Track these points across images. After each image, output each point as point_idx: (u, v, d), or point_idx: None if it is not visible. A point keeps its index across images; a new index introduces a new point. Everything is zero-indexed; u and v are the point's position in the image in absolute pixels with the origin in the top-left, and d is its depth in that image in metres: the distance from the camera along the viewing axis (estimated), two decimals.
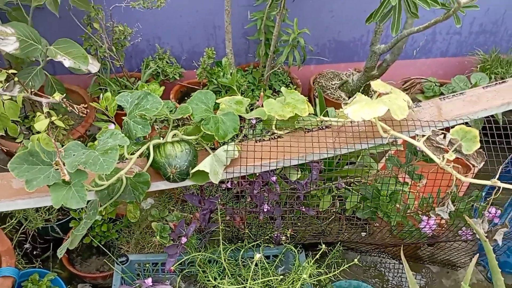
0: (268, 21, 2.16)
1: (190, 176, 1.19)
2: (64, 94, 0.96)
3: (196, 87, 2.33)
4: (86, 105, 1.01)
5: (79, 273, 1.67)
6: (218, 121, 1.24)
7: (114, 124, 1.47)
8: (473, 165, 1.20)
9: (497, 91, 1.44)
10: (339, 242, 1.59)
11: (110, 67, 2.12)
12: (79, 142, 1.06)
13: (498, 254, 1.70)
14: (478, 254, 1.12)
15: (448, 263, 1.89)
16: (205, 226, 1.45)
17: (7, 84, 0.93)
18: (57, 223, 1.72)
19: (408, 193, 1.40)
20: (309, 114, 1.34)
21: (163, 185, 1.22)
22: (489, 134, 1.29)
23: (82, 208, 1.66)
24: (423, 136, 1.21)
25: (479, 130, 1.20)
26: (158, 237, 1.31)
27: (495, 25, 2.53)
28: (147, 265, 1.43)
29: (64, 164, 0.87)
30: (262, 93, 2.06)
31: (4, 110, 0.90)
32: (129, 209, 1.62)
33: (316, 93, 2.39)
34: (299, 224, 1.56)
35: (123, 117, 1.15)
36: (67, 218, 1.74)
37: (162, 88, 1.59)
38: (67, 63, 1.59)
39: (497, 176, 1.17)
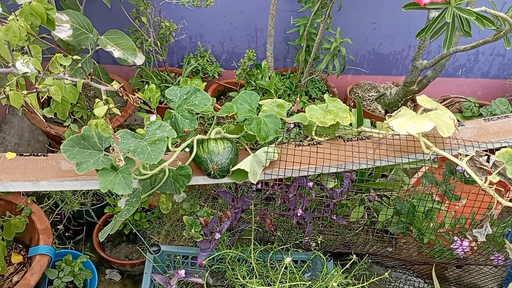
0: (311, 28, 2.17)
1: (230, 174, 1.21)
2: (122, 84, 0.99)
3: (233, 87, 2.36)
4: (139, 96, 1.04)
5: (109, 258, 1.71)
6: (261, 122, 1.26)
7: (156, 115, 1.51)
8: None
9: None
10: (367, 255, 1.59)
11: (154, 60, 2.17)
12: (128, 130, 1.09)
13: None
14: None
15: (475, 287, 1.86)
16: (235, 225, 1.47)
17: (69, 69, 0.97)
18: (92, 207, 1.76)
19: (445, 212, 1.38)
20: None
21: (202, 180, 1.24)
22: None
23: (118, 195, 1.71)
24: (467, 155, 1.20)
25: None
26: (193, 231, 1.33)
27: None
28: (177, 257, 1.46)
29: (119, 150, 0.91)
30: (298, 99, 2.08)
31: (65, 94, 0.94)
32: (162, 200, 1.66)
33: (353, 103, 2.39)
34: (327, 232, 1.56)
35: (168, 109, 1.18)
36: (102, 204, 1.79)
37: (204, 84, 1.62)
38: (117, 53, 1.64)
39: None
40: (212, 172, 1.18)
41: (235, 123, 1.43)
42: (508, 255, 1.35)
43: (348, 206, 1.68)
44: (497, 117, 1.44)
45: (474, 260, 1.55)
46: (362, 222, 1.70)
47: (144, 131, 1.10)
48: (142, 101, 1.51)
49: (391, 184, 1.66)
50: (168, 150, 1.21)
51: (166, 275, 1.27)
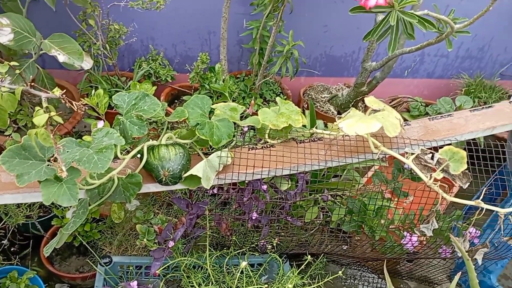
0: (264, 31, 2.18)
1: (182, 180, 1.19)
2: (64, 90, 0.95)
3: (187, 91, 2.33)
4: (84, 103, 1.00)
5: (58, 272, 1.63)
6: (213, 126, 1.25)
7: (104, 121, 1.46)
8: (458, 186, 1.23)
9: (483, 116, 1.50)
10: (323, 254, 1.61)
11: (103, 65, 2.10)
12: (73, 139, 1.05)
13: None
14: (460, 273, 1.15)
15: (426, 280, 1.93)
16: (190, 231, 1.45)
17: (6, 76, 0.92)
18: (38, 220, 1.68)
19: (394, 209, 1.43)
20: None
21: (154, 187, 1.21)
22: (470, 156, 1.33)
23: (66, 207, 1.64)
24: (412, 154, 1.24)
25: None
26: (145, 240, 1.30)
27: (481, 51, 2.62)
28: (130, 268, 1.41)
29: (61, 160, 0.87)
30: (253, 101, 2.08)
31: (2, 102, 0.89)
32: (113, 209, 1.60)
33: (306, 105, 2.42)
34: (283, 234, 1.57)
35: (116, 116, 1.15)
36: (49, 216, 1.71)
37: (154, 88, 1.59)
38: (62, 58, 1.57)
39: (481, 197, 1.21)
40: (164, 179, 1.15)
41: (188, 128, 1.41)
42: (455, 248, 1.41)
43: (303, 207, 1.70)
44: (441, 116, 1.50)
45: (423, 254, 1.61)
46: (317, 222, 1.73)
47: (91, 139, 1.06)
48: (89, 107, 1.46)
49: (344, 184, 1.69)
50: (117, 157, 1.17)
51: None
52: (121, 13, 2.07)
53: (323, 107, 2.43)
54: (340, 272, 1.33)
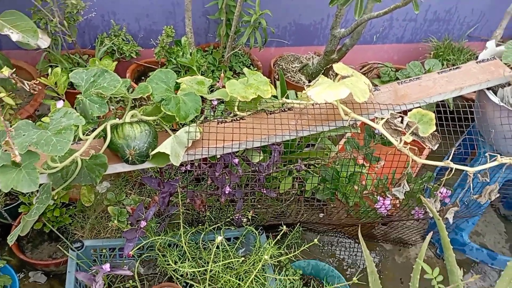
0: (230, 1, 2.11)
1: (150, 158, 1.15)
2: (14, 69, 0.89)
3: (154, 66, 2.25)
4: (37, 82, 0.94)
5: (30, 260, 1.59)
6: (179, 101, 1.20)
7: (64, 101, 1.39)
8: (428, 147, 1.24)
9: (450, 77, 1.50)
10: (299, 223, 1.62)
11: (62, 43, 2.00)
12: (29, 121, 0.99)
13: (447, 232, 1.81)
14: (432, 232, 1.17)
15: (400, 241, 1.98)
16: (164, 210, 1.42)
17: None
18: (4, 208, 1.62)
19: (366, 174, 1.43)
20: (271, 96, 1.33)
21: (121, 167, 1.17)
22: (440, 118, 1.34)
23: (32, 192, 1.58)
24: (382, 119, 1.24)
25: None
26: (116, 222, 1.27)
27: (448, 13, 2.62)
28: (103, 251, 1.38)
29: (14, 144, 0.82)
30: (222, 74, 2.03)
31: None
32: (83, 192, 1.56)
33: (277, 76, 2.39)
34: (259, 206, 1.57)
35: (77, 96, 1.09)
36: (16, 203, 1.65)
37: (115, 63, 1.52)
38: (15, 36, 1.48)
39: (450, 158, 1.23)
40: (130, 158, 1.11)
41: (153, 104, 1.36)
42: (427, 209, 1.44)
43: (277, 178, 1.69)
44: (410, 80, 1.50)
45: (397, 217, 1.64)
46: (292, 192, 1.73)
47: (49, 120, 1.00)
48: (48, 88, 1.39)
49: (319, 153, 1.69)
50: (80, 139, 1.12)
51: (91, 272, 1.20)
52: None
53: (294, 77, 2.40)
54: (315, 240, 1.34)
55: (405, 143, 1.19)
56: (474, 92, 1.57)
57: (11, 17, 1.53)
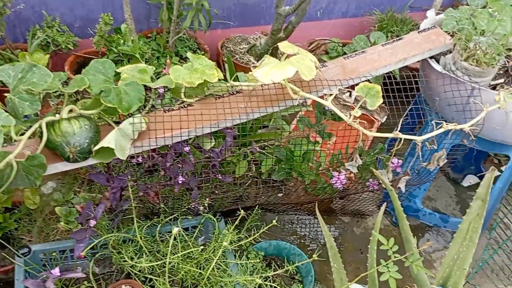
0: None
1: (94, 154, 1.09)
2: None
3: (94, 57, 2.13)
4: None
5: None
6: (120, 92, 1.15)
7: None
8: (377, 120, 1.26)
9: (394, 48, 1.52)
10: (258, 206, 1.61)
11: None
12: None
13: (401, 200, 1.86)
14: (385, 203, 1.19)
15: (358, 213, 2.02)
16: (116, 205, 1.36)
17: None
18: None
19: (319, 151, 1.44)
20: (219, 80, 1.29)
21: (62, 166, 1.10)
22: (388, 90, 1.36)
23: None
24: (331, 95, 1.23)
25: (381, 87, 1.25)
26: (62, 223, 1.20)
27: None
28: (53, 254, 1.31)
29: None
30: (168, 61, 1.96)
31: None
32: (26, 195, 1.47)
33: (225, 58, 2.34)
34: (217, 192, 1.54)
35: (5, 94, 1.01)
36: None
37: (47, 56, 1.42)
38: None
39: (398, 129, 1.25)
40: (71, 156, 1.05)
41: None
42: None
43: (233, 162, 1.67)
44: (355, 54, 1.50)
45: (354, 190, 1.67)
46: (250, 175, 1.71)
47: None
48: None
49: (272, 134, 1.68)
50: (14, 140, 1.04)
51: (40, 278, 1.13)
52: None
53: (243, 59, 2.36)
54: (274, 221, 1.34)
55: (355, 117, 1.19)
56: (419, 61, 1.60)
57: None
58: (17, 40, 2.14)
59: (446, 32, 1.58)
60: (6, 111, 0.94)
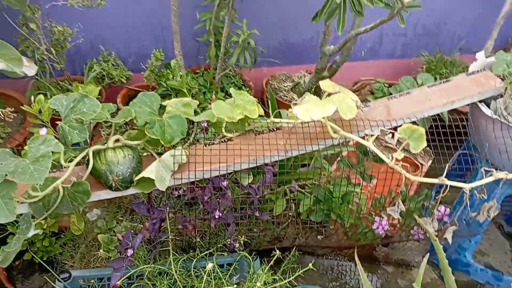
0: (217, 22, 2.11)
1: (135, 184, 1.12)
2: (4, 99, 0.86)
3: (145, 90, 2.23)
4: (12, 109, 0.91)
5: None
6: (164, 124, 1.18)
7: (47, 128, 1.37)
8: (422, 164, 1.21)
9: (441, 90, 1.48)
10: (295, 247, 1.57)
11: (50, 70, 1.99)
12: (7, 150, 0.96)
13: (449, 253, 1.74)
14: (429, 254, 1.12)
15: (403, 263, 1.92)
16: (155, 236, 1.38)
17: None
18: None
19: (360, 194, 1.39)
20: (260, 116, 1.30)
21: (105, 194, 1.14)
22: (436, 133, 1.31)
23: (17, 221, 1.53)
24: (372, 135, 1.20)
25: (427, 130, 1.21)
26: (101, 250, 1.22)
27: (437, 27, 2.63)
28: (92, 281, 1.33)
29: None
30: (214, 96, 2.01)
31: None
32: (72, 221, 1.51)
33: (269, 95, 2.37)
34: (254, 229, 1.52)
35: (57, 122, 1.07)
36: (4, 234, 1.60)
37: (98, 88, 1.50)
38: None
39: (445, 174, 1.19)
40: (114, 185, 1.08)
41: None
42: None
43: (272, 200, 1.65)
44: (400, 94, 1.47)
45: (397, 237, 1.59)
46: (289, 214, 1.68)
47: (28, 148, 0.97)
48: (32, 116, 1.37)
49: (306, 173, 1.65)
50: (62, 166, 1.09)
51: None
52: (63, 13, 1.96)
53: (286, 96, 2.38)
54: (310, 264, 1.29)
55: (397, 160, 1.15)
56: (468, 105, 1.55)
57: None
58: (75, 72, 2.29)
59: (496, 75, 1.52)
60: (56, 137, 0.99)
